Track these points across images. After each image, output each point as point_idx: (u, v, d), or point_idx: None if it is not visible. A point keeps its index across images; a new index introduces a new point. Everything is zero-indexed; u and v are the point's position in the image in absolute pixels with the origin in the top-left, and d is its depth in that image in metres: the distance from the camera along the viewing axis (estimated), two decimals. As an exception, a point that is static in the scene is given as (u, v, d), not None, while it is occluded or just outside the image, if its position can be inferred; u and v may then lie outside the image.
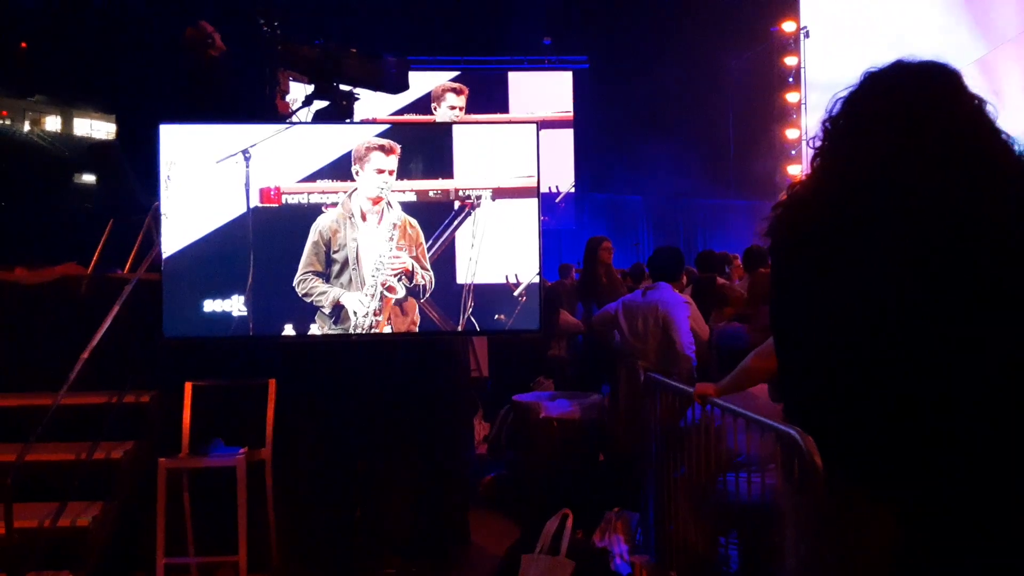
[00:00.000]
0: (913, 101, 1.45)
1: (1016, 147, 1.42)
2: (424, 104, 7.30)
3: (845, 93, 1.58)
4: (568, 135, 15.31)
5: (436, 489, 4.43)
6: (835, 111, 1.57)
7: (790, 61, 13.53)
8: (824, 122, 1.58)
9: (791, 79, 13.54)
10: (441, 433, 4.50)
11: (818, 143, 1.59)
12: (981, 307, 1.29)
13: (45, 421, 3.63)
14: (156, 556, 3.76)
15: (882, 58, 1.57)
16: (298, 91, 5.30)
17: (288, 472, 4.11)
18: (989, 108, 1.45)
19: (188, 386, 4.06)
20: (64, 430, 3.82)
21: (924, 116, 1.42)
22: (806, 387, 1.51)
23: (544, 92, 15.44)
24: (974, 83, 1.48)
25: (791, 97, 13.52)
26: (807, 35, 13.24)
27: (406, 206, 4.14)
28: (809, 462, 2.43)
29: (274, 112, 4.79)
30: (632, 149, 15.34)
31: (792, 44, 13.54)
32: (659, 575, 3.67)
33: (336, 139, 4.15)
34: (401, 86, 5.07)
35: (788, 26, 13.59)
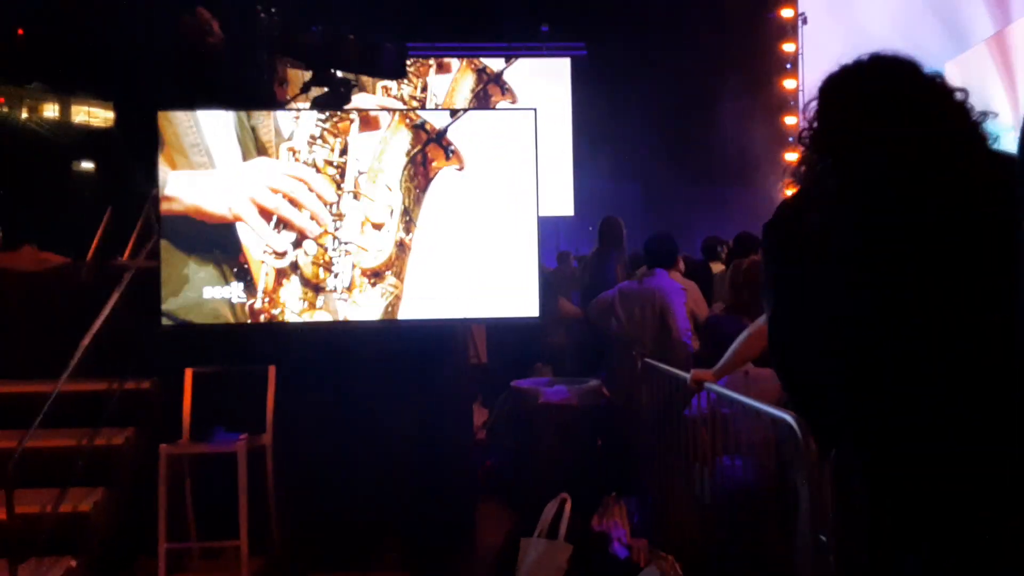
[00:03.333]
0: (894, 94, 1.46)
1: (992, 139, 1.43)
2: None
3: (825, 85, 1.57)
4: (566, 121, 15.26)
5: (437, 474, 4.46)
6: (816, 105, 1.57)
7: (788, 48, 13.50)
8: (808, 118, 1.58)
9: (789, 65, 13.51)
10: (442, 419, 4.52)
11: (805, 136, 1.58)
12: (967, 293, 1.31)
13: (46, 408, 3.65)
14: (157, 541, 3.78)
15: (879, 44, 1.57)
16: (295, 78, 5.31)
17: (289, 458, 4.14)
18: (969, 101, 1.45)
19: (188, 372, 4.08)
20: (65, 417, 3.83)
21: (908, 109, 1.43)
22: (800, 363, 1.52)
23: (542, 79, 15.38)
24: (983, 63, 1.48)
25: (788, 84, 13.49)
26: (805, 21, 13.21)
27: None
28: (804, 447, 2.46)
29: (272, 99, 4.78)
30: (630, 136, 15.30)
31: (790, 30, 13.51)
32: (656, 558, 3.70)
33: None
34: (399, 72, 5.08)
35: (786, 12, 13.55)
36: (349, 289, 3.83)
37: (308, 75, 4.84)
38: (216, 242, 3.99)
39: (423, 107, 10.35)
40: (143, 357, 4.18)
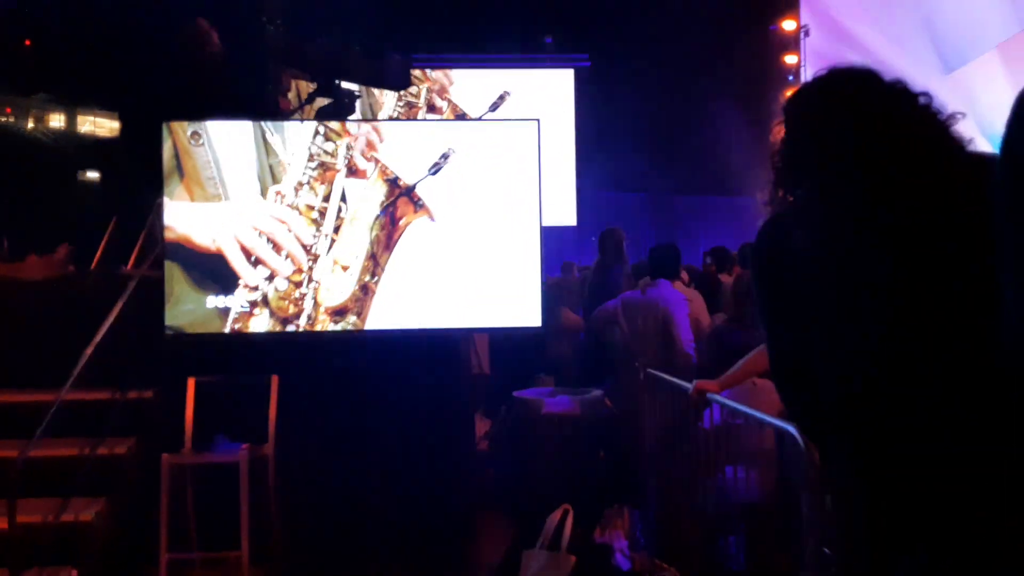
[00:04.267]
0: (858, 104, 1.46)
1: (966, 141, 1.43)
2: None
3: (787, 104, 1.56)
4: (569, 131, 15.29)
5: (439, 484, 4.45)
6: (782, 126, 1.56)
7: (790, 59, 13.53)
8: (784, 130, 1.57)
9: (791, 77, 13.54)
10: (444, 429, 4.52)
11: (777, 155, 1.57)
12: (958, 295, 1.32)
13: (48, 417, 3.65)
14: (159, 551, 3.78)
15: (879, 55, 1.57)
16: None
17: (291, 468, 4.13)
18: (934, 104, 1.45)
19: (191, 382, 4.08)
20: (67, 426, 3.82)
21: (876, 118, 1.43)
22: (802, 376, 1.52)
23: (545, 90, 15.42)
24: (991, 71, 1.48)
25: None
26: (807, 34, 13.24)
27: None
28: (807, 458, 2.45)
29: (276, 110, 4.80)
30: (634, 146, 15.33)
31: (792, 43, 13.54)
32: (659, 570, 3.69)
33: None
34: (404, 83, 5.10)
35: (788, 25, 13.59)
36: (312, 324, 3.99)
37: (313, 86, 4.86)
38: (206, 268, 4.07)
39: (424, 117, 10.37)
40: (146, 366, 4.18)
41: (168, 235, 4.01)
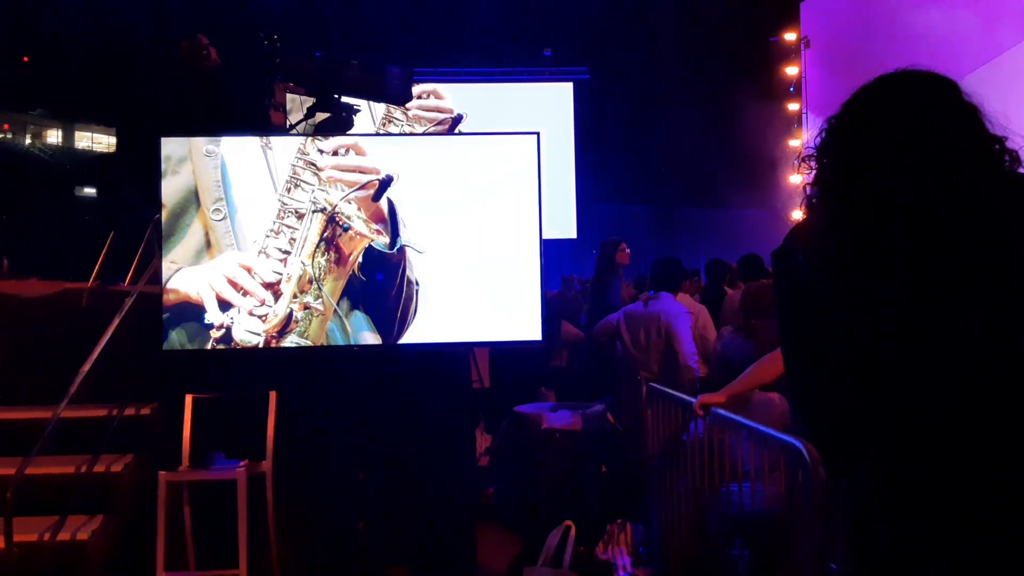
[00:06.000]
0: (922, 111, 1.43)
1: (1008, 160, 1.41)
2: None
3: (850, 99, 1.53)
4: (569, 144, 15.33)
5: (439, 501, 4.41)
6: (838, 120, 1.53)
7: (791, 71, 13.56)
8: (827, 130, 1.55)
9: (792, 89, 13.57)
10: (444, 445, 4.48)
11: (818, 148, 1.54)
12: (989, 314, 1.29)
13: (45, 434, 3.62)
14: (156, 570, 3.73)
15: (883, 67, 1.54)
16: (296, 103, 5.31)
17: (289, 485, 4.09)
18: (986, 118, 1.43)
19: (188, 398, 4.05)
20: (64, 443, 3.80)
21: (932, 127, 1.41)
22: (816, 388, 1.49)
23: (545, 103, 15.47)
24: (990, 83, 1.46)
25: (792, 107, 13.53)
26: (808, 45, 13.28)
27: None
28: (814, 473, 2.42)
29: (267, 125, 4.78)
30: (633, 159, 15.37)
31: (793, 54, 13.58)
32: (663, 587, 3.65)
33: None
34: (404, 97, 5.08)
35: (789, 36, 13.63)
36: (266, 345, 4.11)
37: (309, 101, 4.85)
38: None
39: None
40: (143, 382, 4.16)
41: (170, 297, 4.11)
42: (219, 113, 4.82)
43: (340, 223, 4.02)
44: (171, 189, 4.08)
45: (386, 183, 4.08)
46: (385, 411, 4.33)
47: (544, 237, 4.31)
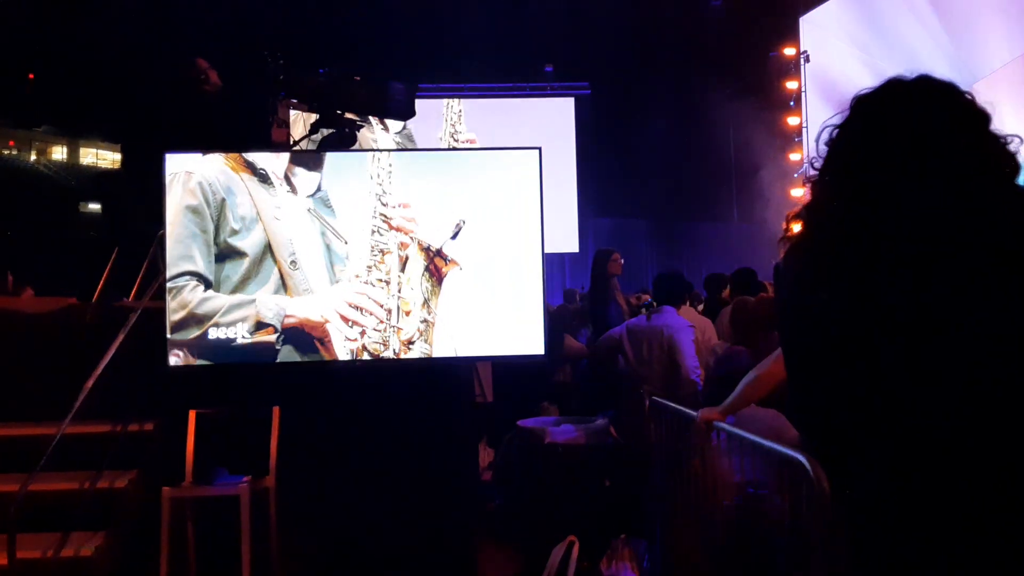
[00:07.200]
0: (932, 116, 1.43)
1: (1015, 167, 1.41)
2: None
3: (859, 102, 1.52)
4: (571, 159, 15.38)
5: (442, 517, 4.40)
6: (849, 120, 1.52)
7: (791, 85, 13.59)
8: (835, 129, 1.53)
9: (792, 103, 13.60)
10: (447, 459, 4.47)
11: (823, 154, 1.54)
12: (996, 327, 1.30)
13: (48, 451, 3.62)
14: (159, 586, 3.73)
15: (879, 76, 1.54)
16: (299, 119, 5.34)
17: (293, 500, 4.09)
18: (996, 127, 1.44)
19: (191, 414, 4.04)
20: (67, 460, 3.80)
21: (943, 135, 1.41)
22: (816, 400, 1.49)
23: (546, 118, 15.54)
24: (987, 97, 1.46)
25: (792, 121, 13.56)
26: (807, 59, 13.32)
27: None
28: (817, 487, 2.41)
29: (269, 142, 4.80)
30: (634, 173, 15.40)
31: (792, 68, 13.62)
32: (667, 602, 3.63)
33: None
34: (408, 113, 5.09)
35: (788, 51, 13.68)
36: (397, 355, 4.29)
37: (312, 117, 4.87)
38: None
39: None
40: (147, 398, 4.16)
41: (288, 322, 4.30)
42: (223, 129, 4.84)
43: (444, 255, 4.34)
44: (251, 242, 4.23)
45: (460, 226, 4.33)
46: (388, 426, 4.33)
47: (546, 251, 4.32)
